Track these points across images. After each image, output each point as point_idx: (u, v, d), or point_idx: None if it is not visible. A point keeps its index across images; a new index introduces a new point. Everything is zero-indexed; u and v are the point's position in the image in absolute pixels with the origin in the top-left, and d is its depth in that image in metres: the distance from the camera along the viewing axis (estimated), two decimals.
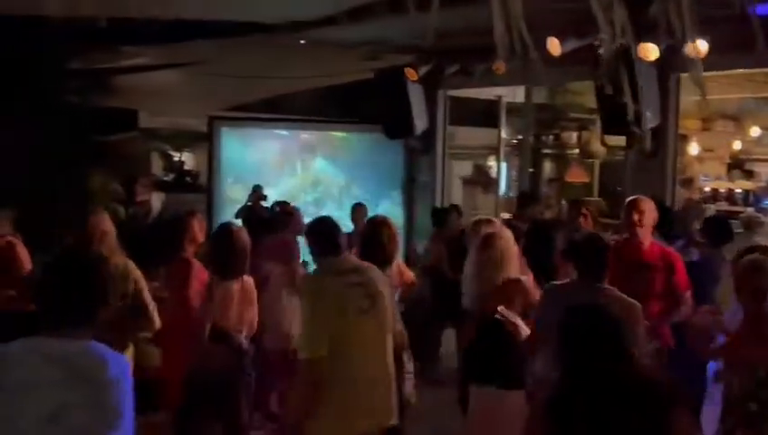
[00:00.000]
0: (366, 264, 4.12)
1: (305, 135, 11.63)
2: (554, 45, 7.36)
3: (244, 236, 4.95)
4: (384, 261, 4.80)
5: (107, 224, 5.10)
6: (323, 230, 4.06)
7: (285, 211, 7.24)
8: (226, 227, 5.10)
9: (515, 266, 4.67)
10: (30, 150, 11.16)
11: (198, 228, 5.58)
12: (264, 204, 10.14)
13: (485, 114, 11.46)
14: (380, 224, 5.08)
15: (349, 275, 3.88)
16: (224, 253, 4.87)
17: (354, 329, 3.77)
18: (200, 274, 5.22)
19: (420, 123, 9.81)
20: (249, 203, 10.06)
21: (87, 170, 11.39)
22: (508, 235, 4.81)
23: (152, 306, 4.99)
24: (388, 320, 4.00)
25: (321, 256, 4.02)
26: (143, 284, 5.03)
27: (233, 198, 10.86)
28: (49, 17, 8.49)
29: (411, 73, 9.55)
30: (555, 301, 3.94)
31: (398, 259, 5.67)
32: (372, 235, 4.98)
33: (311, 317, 3.77)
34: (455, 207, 9.16)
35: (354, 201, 9.62)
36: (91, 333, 2.52)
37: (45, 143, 11.07)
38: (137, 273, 5.01)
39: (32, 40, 6.40)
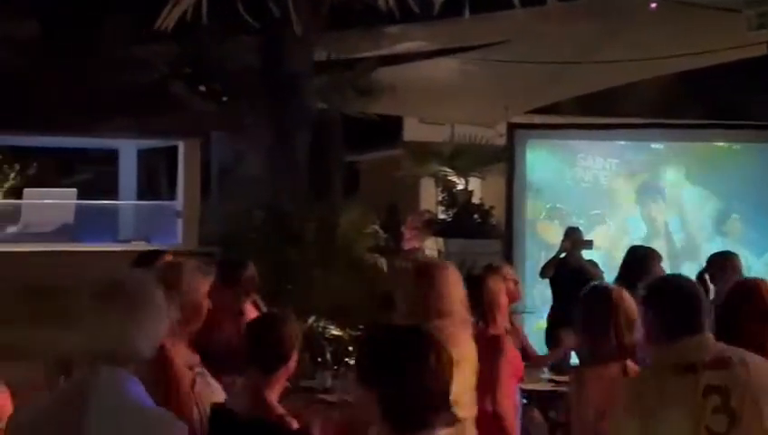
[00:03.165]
0: (740, 353, 3.60)
1: (657, 146, 11.05)
2: None
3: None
4: None
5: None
6: (673, 296, 3.67)
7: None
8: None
9: None
10: (260, 176, 11.49)
11: (501, 290, 5.58)
12: (587, 254, 9.53)
13: None
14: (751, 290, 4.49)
15: (702, 372, 3.47)
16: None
17: None
18: (511, 354, 5.32)
19: None
20: (562, 255, 9.47)
21: (335, 204, 11.43)
22: None
23: None
24: None
25: (659, 341, 3.64)
26: None
27: (549, 241, 10.43)
28: None
29: None
30: None
31: None
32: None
33: None
34: None
35: (721, 248, 8.51)
36: None
37: (281, 165, 11.35)
38: None
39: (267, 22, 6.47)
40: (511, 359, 5.41)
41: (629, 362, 4.32)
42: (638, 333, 4.09)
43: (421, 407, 2.71)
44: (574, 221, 10.16)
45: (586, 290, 4.37)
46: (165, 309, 2.89)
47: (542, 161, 10.99)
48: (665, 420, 3.45)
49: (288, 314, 4.51)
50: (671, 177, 10.87)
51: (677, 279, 4.00)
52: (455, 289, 4.77)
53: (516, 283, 6.39)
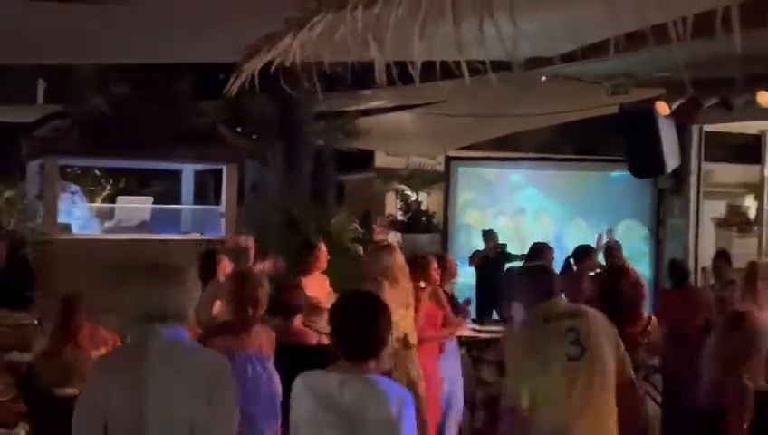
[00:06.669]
0: (584, 308, 3.62)
1: (540, 173, 10.94)
2: None
3: None
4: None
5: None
6: (532, 275, 3.69)
7: None
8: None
9: None
10: (277, 191, 11.56)
11: (434, 269, 5.53)
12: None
13: (744, 150, 10.39)
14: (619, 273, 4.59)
15: (559, 319, 3.43)
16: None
17: (558, 379, 3.33)
18: (427, 307, 5.27)
19: (672, 161, 8.95)
20: (484, 252, 9.24)
21: (328, 210, 11.56)
22: None
23: None
24: (608, 374, 3.39)
25: (529, 305, 3.59)
26: None
27: (470, 223, 10.43)
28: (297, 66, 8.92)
29: (663, 107, 8.76)
30: None
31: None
32: (612, 286, 4.45)
33: (512, 370, 3.46)
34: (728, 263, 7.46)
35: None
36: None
37: (292, 183, 11.48)
38: None
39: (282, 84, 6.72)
40: (427, 310, 5.35)
41: None
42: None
43: (364, 347, 2.72)
44: (489, 211, 10.41)
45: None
46: (197, 286, 2.73)
47: (469, 180, 11.01)
48: (544, 353, 3.37)
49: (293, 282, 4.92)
50: (552, 192, 10.71)
51: (534, 267, 4.06)
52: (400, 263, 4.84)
53: (455, 265, 6.37)
